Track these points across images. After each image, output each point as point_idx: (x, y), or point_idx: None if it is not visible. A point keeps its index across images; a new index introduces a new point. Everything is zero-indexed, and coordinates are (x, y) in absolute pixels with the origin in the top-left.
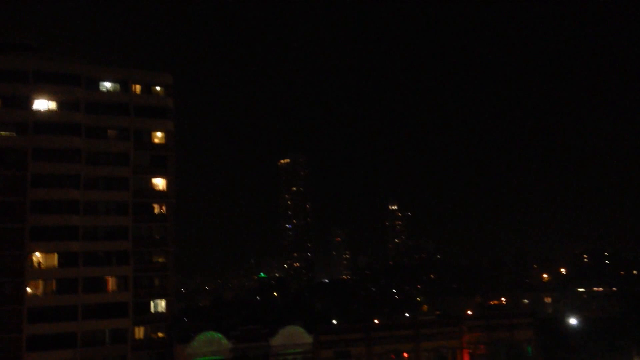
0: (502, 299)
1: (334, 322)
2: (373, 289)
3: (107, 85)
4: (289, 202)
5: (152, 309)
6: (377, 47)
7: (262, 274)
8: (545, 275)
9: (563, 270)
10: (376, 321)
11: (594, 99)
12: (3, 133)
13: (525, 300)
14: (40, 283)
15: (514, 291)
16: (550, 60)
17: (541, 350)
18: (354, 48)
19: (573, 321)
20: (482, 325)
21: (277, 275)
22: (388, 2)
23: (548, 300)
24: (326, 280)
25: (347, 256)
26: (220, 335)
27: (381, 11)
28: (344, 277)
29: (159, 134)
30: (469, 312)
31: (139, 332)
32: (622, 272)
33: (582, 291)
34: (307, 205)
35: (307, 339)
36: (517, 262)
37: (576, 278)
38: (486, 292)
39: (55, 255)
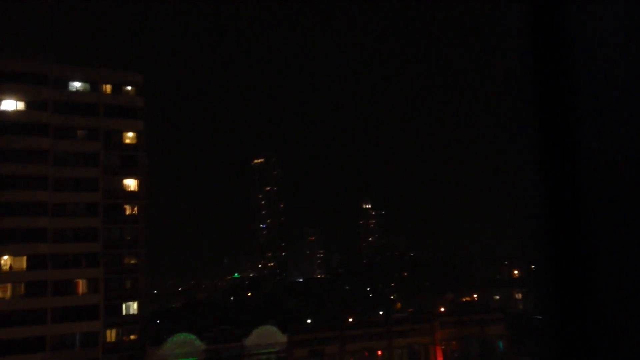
0: (474, 295)
1: (308, 321)
2: (347, 287)
3: (76, 85)
4: (262, 201)
5: (124, 311)
6: (347, 44)
7: (235, 274)
8: (516, 272)
9: (533, 267)
10: (350, 319)
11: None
12: None
13: (497, 297)
14: (9, 286)
15: (485, 288)
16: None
17: (511, 345)
18: (325, 45)
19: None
20: (454, 322)
21: (250, 275)
22: (356, 2)
23: (519, 296)
24: (300, 279)
25: (321, 255)
26: (193, 336)
27: (351, 9)
28: (318, 276)
29: (129, 134)
30: (441, 309)
31: (111, 335)
32: None
33: None
34: (281, 205)
35: (281, 338)
36: (487, 258)
37: None
38: (458, 289)
39: (24, 258)
